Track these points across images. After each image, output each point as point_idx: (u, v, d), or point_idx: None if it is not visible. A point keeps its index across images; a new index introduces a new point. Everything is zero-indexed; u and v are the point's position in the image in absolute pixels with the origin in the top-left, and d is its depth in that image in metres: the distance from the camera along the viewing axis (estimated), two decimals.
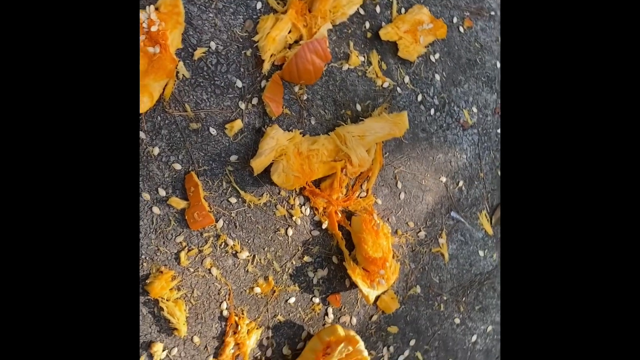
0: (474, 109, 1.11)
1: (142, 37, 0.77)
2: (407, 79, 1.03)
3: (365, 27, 0.99)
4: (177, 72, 0.83)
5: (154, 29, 0.78)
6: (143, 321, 0.82)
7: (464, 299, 1.10)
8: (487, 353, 1.14)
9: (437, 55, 1.06)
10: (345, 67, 0.96)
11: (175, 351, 0.84)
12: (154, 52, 0.78)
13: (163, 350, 0.83)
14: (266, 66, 0.89)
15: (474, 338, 1.12)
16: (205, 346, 0.87)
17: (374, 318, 1.01)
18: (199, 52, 0.85)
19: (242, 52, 0.88)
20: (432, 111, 1.06)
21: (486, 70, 1.12)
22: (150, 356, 0.83)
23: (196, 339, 0.86)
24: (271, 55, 0.89)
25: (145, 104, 0.79)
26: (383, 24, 1.01)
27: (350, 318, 0.99)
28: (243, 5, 0.89)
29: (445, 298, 1.08)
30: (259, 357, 0.91)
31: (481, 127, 1.11)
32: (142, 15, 0.78)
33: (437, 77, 1.06)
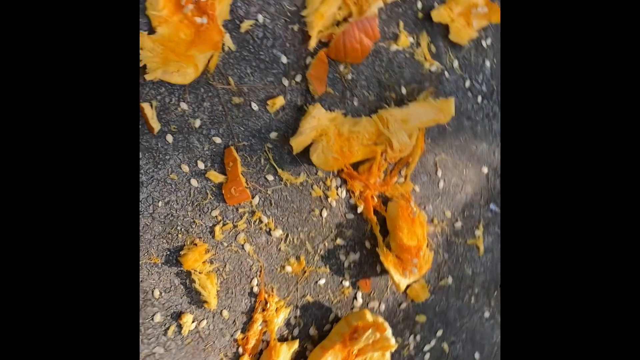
0: None
1: (190, 7, 0.75)
2: (456, 64, 0.99)
3: (417, 7, 0.95)
4: (223, 44, 0.82)
5: None
6: (175, 292, 0.83)
7: (495, 293, 1.08)
8: None
9: (489, 41, 1.02)
10: (394, 47, 0.93)
11: (204, 323, 0.85)
12: (202, 22, 0.76)
13: (192, 322, 0.84)
14: (313, 42, 0.86)
15: None
16: (234, 321, 0.87)
17: (403, 306, 1.00)
18: (246, 25, 0.83)
19: (289, 26, 0.86)
20: (480, 98, 1.02)
21: None
22: (180, 326, 0.83)
23: (225, 313, 0.86)
24: (319, 32, 0.87)
25: (190, 75, 0.77)
26: (436, 4, 0.97)
27: (379, 304, 0.98)
28: None
29: (476, 291, 1.06)
30: (285, 335, 0.91)
31: None
32: None
33: (488, 63, 1.02)
